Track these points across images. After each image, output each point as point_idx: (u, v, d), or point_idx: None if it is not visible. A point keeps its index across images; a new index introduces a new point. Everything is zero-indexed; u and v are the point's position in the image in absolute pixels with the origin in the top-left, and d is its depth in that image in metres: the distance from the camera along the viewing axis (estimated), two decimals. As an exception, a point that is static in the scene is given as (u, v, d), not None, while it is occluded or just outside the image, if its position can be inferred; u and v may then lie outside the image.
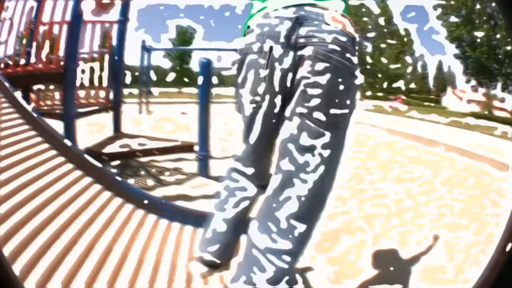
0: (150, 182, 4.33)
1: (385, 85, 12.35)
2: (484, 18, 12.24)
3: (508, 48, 11.80)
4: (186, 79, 10.89)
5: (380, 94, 11.81)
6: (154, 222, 2.19)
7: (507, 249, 1.21)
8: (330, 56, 1.35)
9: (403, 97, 11.62)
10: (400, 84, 12.18)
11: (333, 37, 1.36)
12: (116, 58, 5.26)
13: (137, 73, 8.92)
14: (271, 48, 1.41)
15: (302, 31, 1.39)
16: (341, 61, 1.36)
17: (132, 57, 8.62)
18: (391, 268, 2.82)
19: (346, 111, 1.39)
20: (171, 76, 11.34)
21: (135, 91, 8.96)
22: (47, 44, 4.14)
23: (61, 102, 4.45)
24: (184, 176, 4.49)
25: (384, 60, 12.07)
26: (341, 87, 1.36)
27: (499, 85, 13.18)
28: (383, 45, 11.92)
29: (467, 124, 9.96)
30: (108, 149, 4.34)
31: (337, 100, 1.36)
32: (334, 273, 2.78)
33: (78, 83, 4.58)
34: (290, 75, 1.40)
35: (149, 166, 4.79)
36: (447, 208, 4.12)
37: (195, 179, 4.44)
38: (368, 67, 12.18)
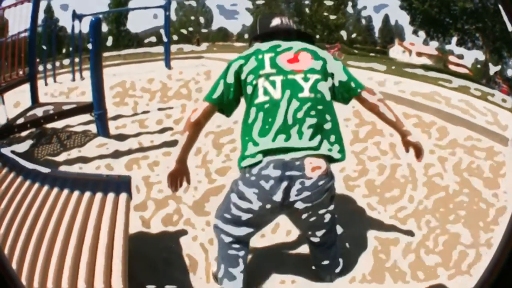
0: (56, 148, 4.53)
1: (325, 35, 12.36)
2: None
3: (468, 5, 11.61)
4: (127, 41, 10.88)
5: (318, 44, 11.77)
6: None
7: (507, 249, 1.27)
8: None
9: (340, 46, 11.56)
10: (342, 34, 12.13)
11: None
12: (30, 32, 5.38)
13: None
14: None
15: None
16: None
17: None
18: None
19: None
20: (110, 40, 11.27)
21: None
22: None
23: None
24: (87, 138, 4.70)
25: (323, 10, 12.05)
26: None
27: (454, 40, 12.99)
28: (322, -4, 11.85)
29: (414, 73, 9.28)
30: (20, 120, 4.52)
31: None
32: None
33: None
34: None
35: (60, 132, 4.98)
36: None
37: (95, 140, 4.63)
38: (307, 18, 12.24)
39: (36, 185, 2.36)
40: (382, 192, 3.49)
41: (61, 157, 4.27)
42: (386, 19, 16.15)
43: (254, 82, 2.02)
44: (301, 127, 1.93)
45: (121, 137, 4.69)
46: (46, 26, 8.87)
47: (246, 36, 11.95)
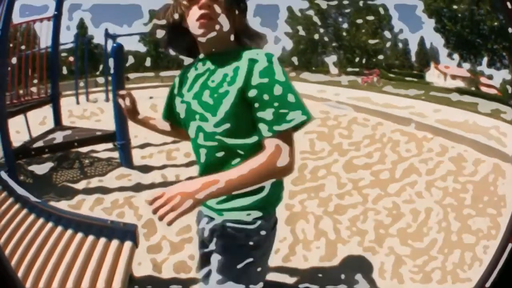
0: (76, 174, 4.37)
1: (364, 60, 12.17)
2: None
3: (495, 23, 11.41)
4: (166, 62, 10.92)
5: (357, 69, 11.61)
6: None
7: (508, 249, 1.24)
8: None
9: (379, 72, 11.31)
10: (380, 59, 11.94)
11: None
12: (51, 51, 5.29)
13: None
14: None
15: None
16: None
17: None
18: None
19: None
20: (148, 61, 11.34)
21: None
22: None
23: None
24: (110, 167, 4.50)
25: (361, 35, 11.88)
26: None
27: (485, 60, 12.76)
28: (359, 21, 11.72)
29: (449, 99, 9.19)
30: (39, 143, 4.38)
31: None
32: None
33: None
34: None
35: (83, 157, 4.82)
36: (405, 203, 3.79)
37: (118, 170, 4.41)
38: (346, 43, 12.05)
39: (41, 221, 2.26)
40: (413, 243, 3.15)
41: (80, 185, 4.06)
42: (421, 41, 16.09)
43: None
44: None
45: (145, 169, 4.46)
46: (78, 43, 8.81)
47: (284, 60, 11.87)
